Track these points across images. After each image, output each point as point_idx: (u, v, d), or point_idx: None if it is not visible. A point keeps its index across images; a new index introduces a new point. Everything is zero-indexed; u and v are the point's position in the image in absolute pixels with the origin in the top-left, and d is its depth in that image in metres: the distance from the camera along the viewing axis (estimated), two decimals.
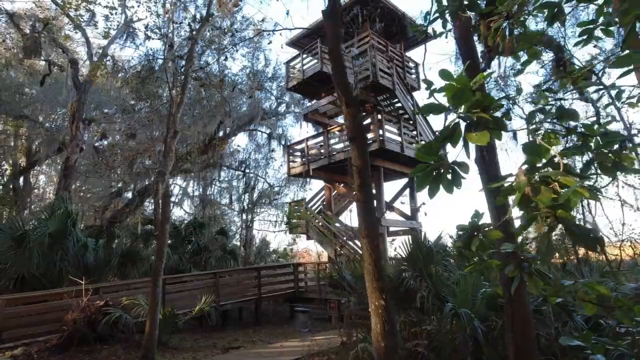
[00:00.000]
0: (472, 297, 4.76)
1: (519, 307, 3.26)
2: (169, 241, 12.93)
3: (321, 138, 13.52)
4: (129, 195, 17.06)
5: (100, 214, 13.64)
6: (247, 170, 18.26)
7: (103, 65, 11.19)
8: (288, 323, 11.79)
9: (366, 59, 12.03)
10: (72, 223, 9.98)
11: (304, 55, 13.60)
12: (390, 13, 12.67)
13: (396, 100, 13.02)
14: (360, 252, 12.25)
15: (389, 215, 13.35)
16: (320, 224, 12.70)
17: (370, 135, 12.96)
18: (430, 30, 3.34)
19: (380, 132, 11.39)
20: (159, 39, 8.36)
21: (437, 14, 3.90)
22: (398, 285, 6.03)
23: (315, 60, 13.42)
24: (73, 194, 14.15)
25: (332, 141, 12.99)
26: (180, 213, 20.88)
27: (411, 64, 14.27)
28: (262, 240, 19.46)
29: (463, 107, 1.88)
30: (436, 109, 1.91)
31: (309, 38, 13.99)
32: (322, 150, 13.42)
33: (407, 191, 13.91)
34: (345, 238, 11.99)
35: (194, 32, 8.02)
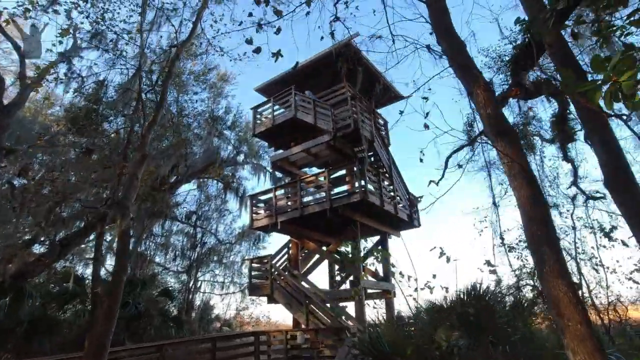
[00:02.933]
0: None
1: None
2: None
3: (290, 188, 12.44)
4: (41, 245, 13.87)
5: (3, 267, 10.53)
6: (198, 223, 16.06)
7: (54, 69, 9.20)
8: None
9: (345, 108, 11.67)
10: None
11: (273, 103, 12.91)
12: (367, 70, 12.59)
13: (371, 153, 12.62)
14: (326, 317, 10.77)
15: None
16: (288, 283, 11.09)
17: (345, 187, 12.22)
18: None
19: (362, 182, 10.65)
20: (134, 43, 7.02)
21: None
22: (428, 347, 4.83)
23: (283, 109, 12.80)
24: None
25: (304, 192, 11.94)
26: (101, 272, 17.47)
27: (381, 121, 14.22)
28: (205, 304, 16.68)
29: None
30: None
31: (279, 85, 13.47)
32: (289, 203, 12.26)
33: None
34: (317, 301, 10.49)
35: (177, 42, 6.92)
